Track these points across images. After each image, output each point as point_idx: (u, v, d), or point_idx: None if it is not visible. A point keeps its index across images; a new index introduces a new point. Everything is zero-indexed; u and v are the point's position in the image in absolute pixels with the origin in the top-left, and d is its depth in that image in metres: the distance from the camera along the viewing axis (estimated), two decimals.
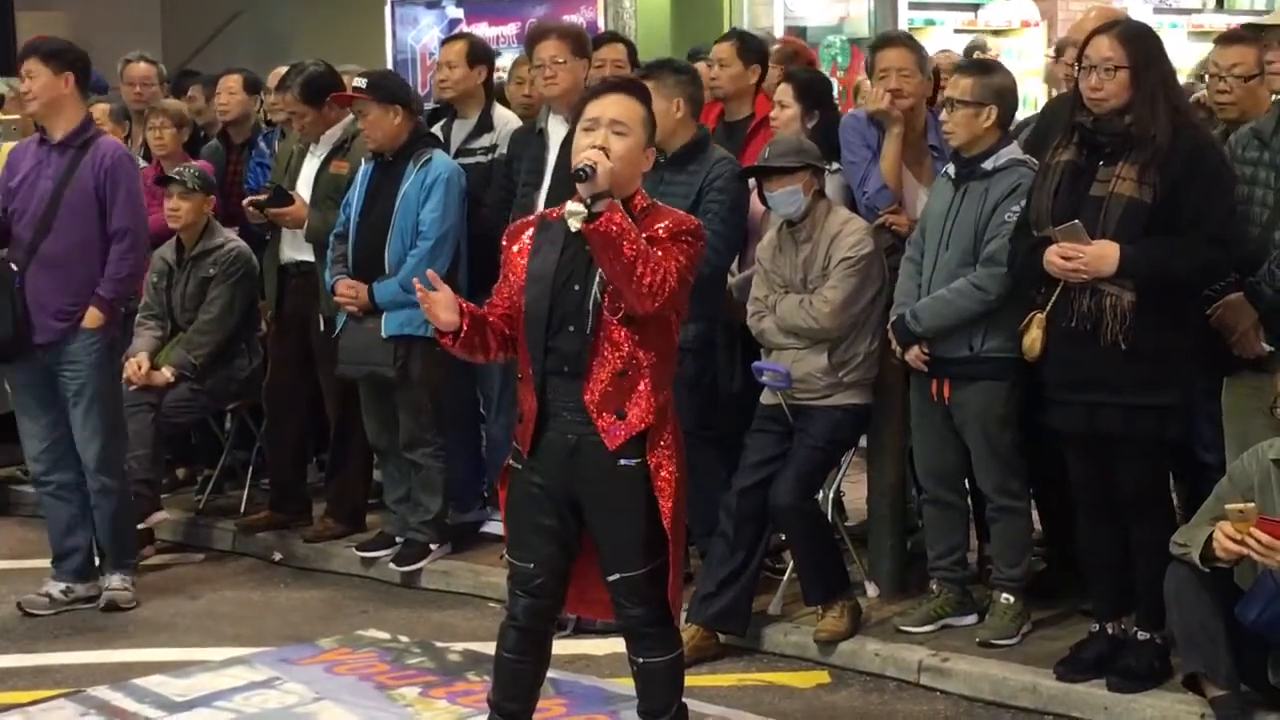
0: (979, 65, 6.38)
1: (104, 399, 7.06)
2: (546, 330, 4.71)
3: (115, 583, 7.19)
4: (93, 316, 6.94)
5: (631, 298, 4.58)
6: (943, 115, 6.14)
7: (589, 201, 4.49)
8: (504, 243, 4.90)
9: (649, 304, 4.58)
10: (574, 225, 4.55)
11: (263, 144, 8.80)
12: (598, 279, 4.64)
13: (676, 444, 4.78)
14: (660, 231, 4.66)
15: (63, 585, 7.18)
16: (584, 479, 4.76)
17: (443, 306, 4.76)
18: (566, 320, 4.70)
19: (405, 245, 7.22)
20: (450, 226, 7.25)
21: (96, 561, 7.31)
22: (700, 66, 7.57)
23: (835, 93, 8.70)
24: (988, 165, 6.01)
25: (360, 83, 7.34)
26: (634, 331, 4.66)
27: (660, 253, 4.60)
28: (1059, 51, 9.87)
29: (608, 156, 4.57)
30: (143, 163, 8.73)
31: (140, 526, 7.82)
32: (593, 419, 4.69)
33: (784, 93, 6.87)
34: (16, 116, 8.69)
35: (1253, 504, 5.04)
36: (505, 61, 9.38)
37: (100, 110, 8.91)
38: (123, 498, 7.23)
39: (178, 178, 8.02)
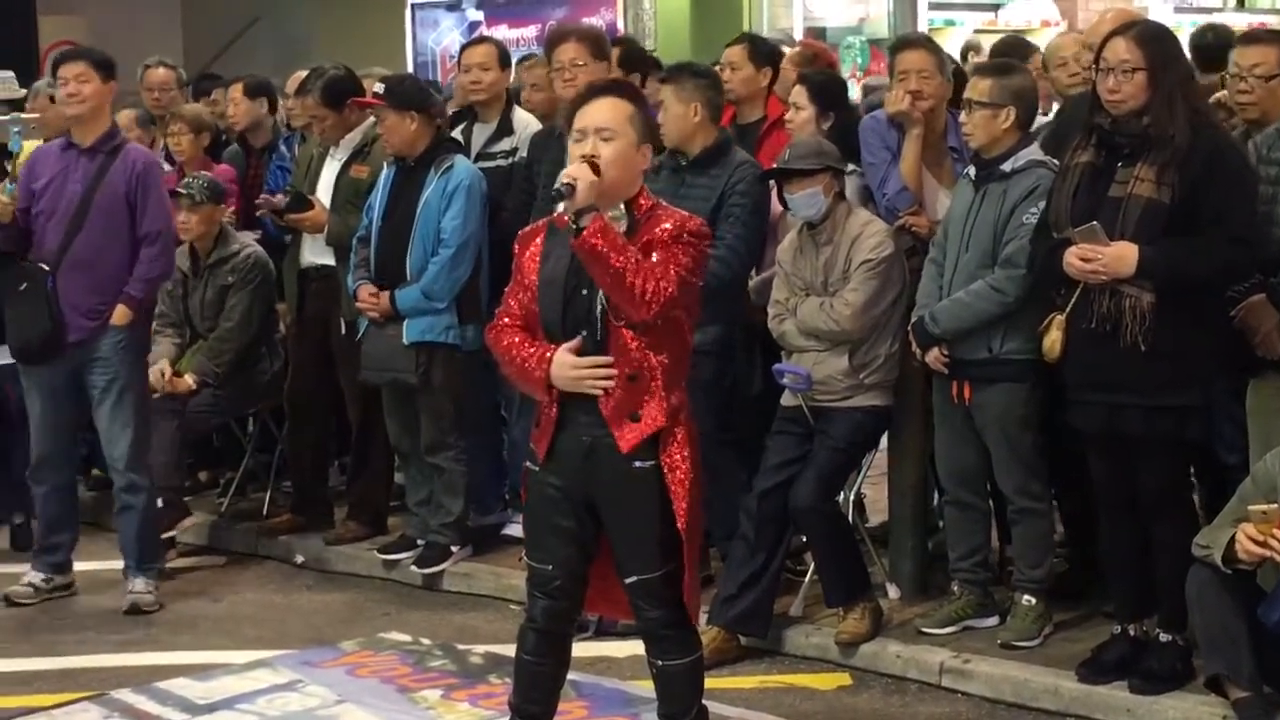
0: (998, 66, 6.36)
1: (133, 394, 7.17)
2: (561, 337, 4.73)
3: (139, 586, 7.23)
4: (121, 314, 7.07)
5: (626, 307, 4.59)
6: (962, 117, 6.14)
7: (574, 217, 4.50)
8: (515, 249, 4.91)
9: (644, 312, 4.59)
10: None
11: (284, 148, 8.82)
12: None
13: (691, 445, 4.78)
14: (662, 234, 4.67)
15: (43, 575, 7.35)
16: (599, 482, 4.77)
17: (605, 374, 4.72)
18: (578, 326, 4.71)
19: (427, 252, 7.23)
20: (471, 234, 7.26)
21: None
22: None
23: (856, 94, 8.70)
24: (1006, 167, 5.99)
25: (378, 88, 7.35)
26: (642, 335, 4.67)
27: (659, 257, 4.60)
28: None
29: (596, 169, 4.58)
30: (167, 167, 8.79)
31: (171, 533, 7.91)
32: (607, 423, 4.70)
33: (799, 95, 6.86)
34: (36, 115, 8.74)
35: (1275, 505, 5.02)
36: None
37: (126, 116, 8.97)
38: (150, 496, 7.29)
39: (184, 191, 8.05)
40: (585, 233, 4.49)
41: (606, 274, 4.54)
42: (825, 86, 6.96)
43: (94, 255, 7.03)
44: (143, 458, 7.25)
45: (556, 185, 4.54)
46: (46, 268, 7.03)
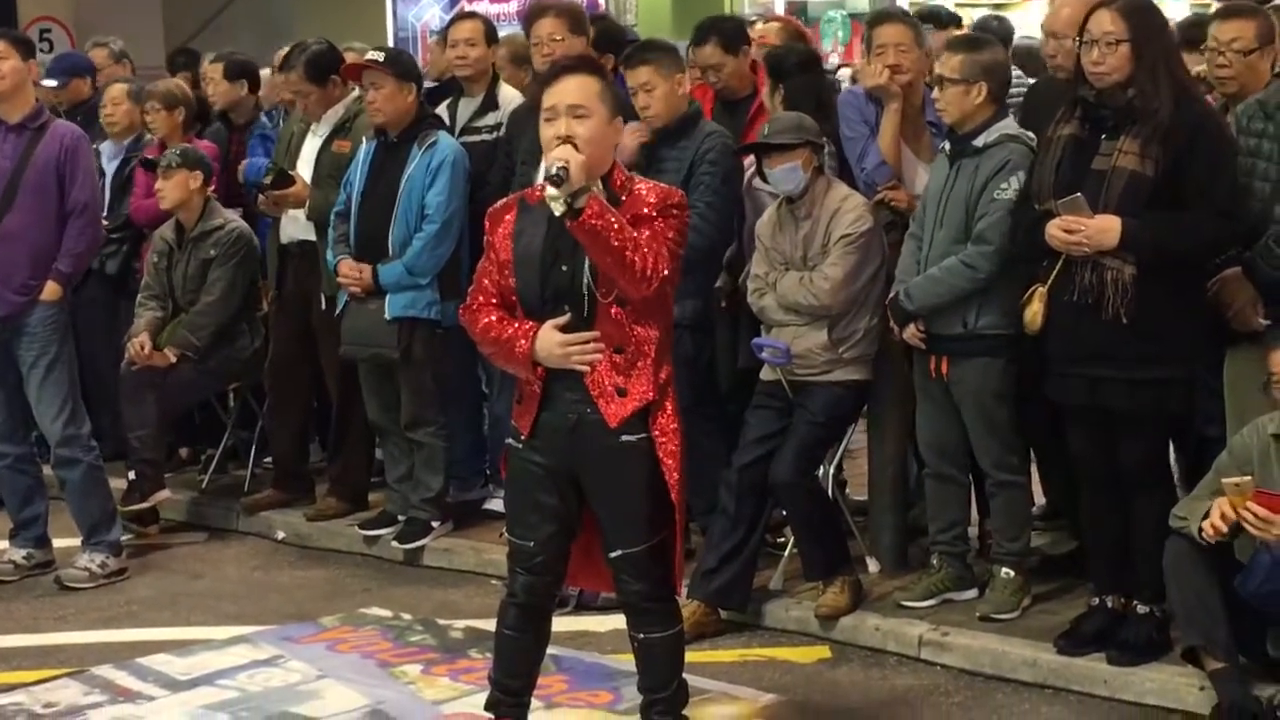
0: (968, 41, 6.36)
1: (63, 369, 7.17)
2: (540, 314, 4.72)
3: (81, 560, 7.27)
4: (51, 290, 7.09)
5: (626, 285, 4.58)
6: (934, 93, 6.14)
7: (570, 199, 4.46)
8: (486, 226, 4.88)
9: (644, 289, 4.58)
10: (557, 210, 4.50)
11: (265, 119, 8.80)
12: (587, 261, 4.64)
13: (677, 419, 4.79)
14: (646, 209, 4.66)
15: (24, 551, 7.38)
16: (585, 457, 4.77)
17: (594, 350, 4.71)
18: (558, 301, 4.69)
19: (410, 227, 7.22)
20: (455, 209, 7.25)
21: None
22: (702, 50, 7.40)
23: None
24: (979, 142, 5.99)
25: (377, 56, 7.30)
26: (629, 310, 4.67)
27: (648, 233, 4.60)
28: None
29: (575, 145, 4.55)
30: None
31: (144, 505, 7.91)
32: (593, 398, 4.70)
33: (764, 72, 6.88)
34: None
35: (1249, 477, 5.04)
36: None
37: (119, 90, 8.97)
38: (89, 470, 7.27)
39: (155, 159, 8.07)
40: (585, 214, 4.46)
41: (608, 253, 4.51)
42: (770, 61, 6.92)
43: (24, 231, 7.04)
44: (75, 431, 7.22)
45: (552, 171, 4.46)
46: None
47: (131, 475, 7.95)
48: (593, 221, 4.46)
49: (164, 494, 8.04)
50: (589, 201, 4.47)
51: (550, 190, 4.49)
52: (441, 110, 7.74)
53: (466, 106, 7.78)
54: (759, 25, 8.40)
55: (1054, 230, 5.44)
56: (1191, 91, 5.56)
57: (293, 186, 7.71)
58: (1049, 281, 5.54)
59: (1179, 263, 5.42)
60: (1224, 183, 5.42)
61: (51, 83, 9.56)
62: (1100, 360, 5.48)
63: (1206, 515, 5.11)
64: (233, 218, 8.24)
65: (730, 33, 7.22)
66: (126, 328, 8.28)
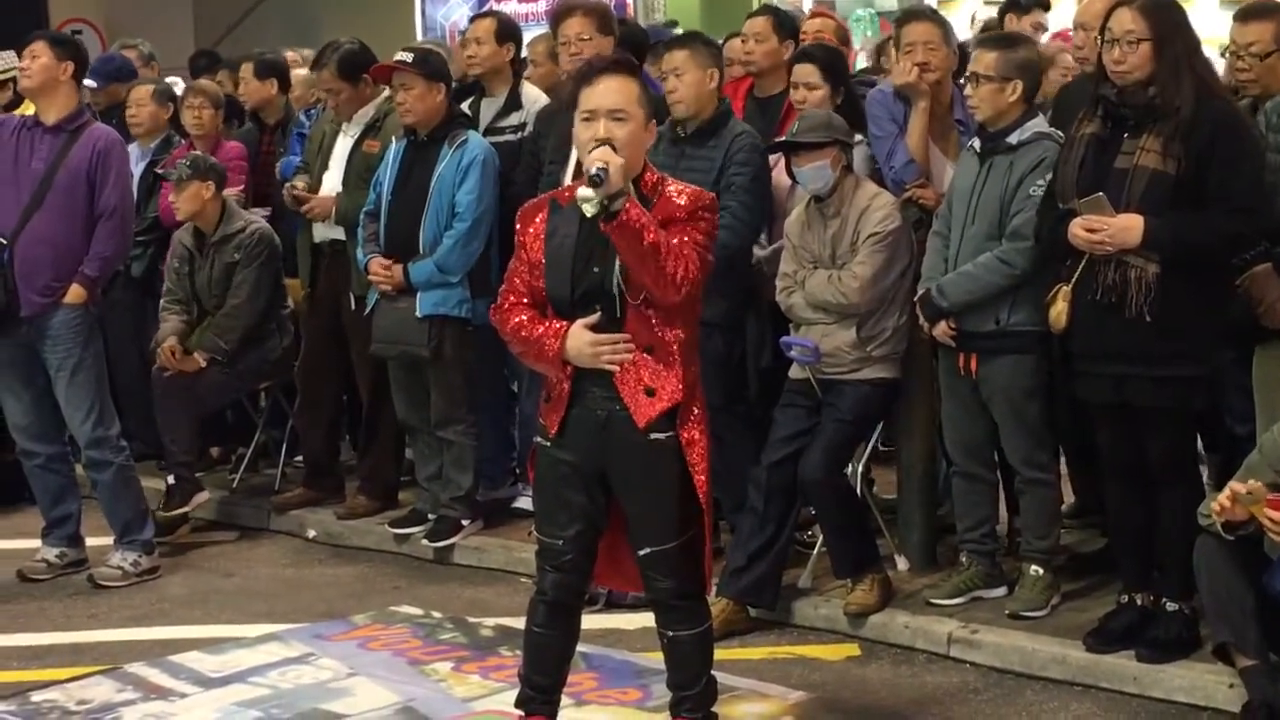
0: (1002, 39, 6.36)
1: (89, 371, 7.18)
2: (570, 314, 4.73)
3: (114, 559, 7.31)
4: (76, 293, 7.09)
5: (657, 291, 4.59)
6: (967, 90, 6.14)
7: (606, 201, 4.46)
8: (516, 226, 4.89)
9: (674, 295, 4.60)
10: (588, 211, 4.49)
11: (303, 116, 8.84)
12: (618, 263, 4.64)
13: (705, 417, 4.80)
14: (679, 212, 4.67)
15: (57, 550, 7.41)
16: (615, 455, 4.78)
17: (624, 350, 4.73)
18: (590, 302, 4.70)
19: (440, 226, 7.25)
20: (486, 208, 7.27)
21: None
22: (734, 42, 7.57)
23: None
24: (1013, 139, 5.99)
25: (406, 57, 7.32)
26: (658, 311, 4.68)
27: (677, 240, 4.59)
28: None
29: (613, 148, 4.54)
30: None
31: (186, 509, 7.98)
32: (622, 397, 4.72)
33: (809, 73, 6.74)
34: None
35: (1259, 484, 4.99)
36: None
37: (144, 91, 9.02)
38: (119, 471, 7.30)
39: (163, 172, 8.13)
40: (622, 217, 4.46)
41: (641, 256, 4.52)
42: (832, 63, 6.91)
43: (52, 232, 7.03)
44: (105, 433, 7.23)
45: (592, 172, 4.46)
46: (4, 241, 7.02)
47: (170, 480, 8.00)
48: (632, 224, 4.46)
49: (203, 496, 8.09)
50: (625, 204, 4.47)
51: (583, 191, 4.47)
52: (464, 109, 7.76)
53: (489, 107, 7.81)
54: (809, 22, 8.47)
55: (1076, 229, 5.44)
56: (1213, 89, 5.55)
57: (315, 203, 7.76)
58: (1072, 280, 5.55)
59: (1201, 260, 5.41)
60: (1245, 179, 5.40)
61: (92, 84, 9.61)
62: (1124, 358, 5.48)
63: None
64: (253, 219, 8.25)
65: (784, 18, 7.33)
66: (153, 330, 8.33)
